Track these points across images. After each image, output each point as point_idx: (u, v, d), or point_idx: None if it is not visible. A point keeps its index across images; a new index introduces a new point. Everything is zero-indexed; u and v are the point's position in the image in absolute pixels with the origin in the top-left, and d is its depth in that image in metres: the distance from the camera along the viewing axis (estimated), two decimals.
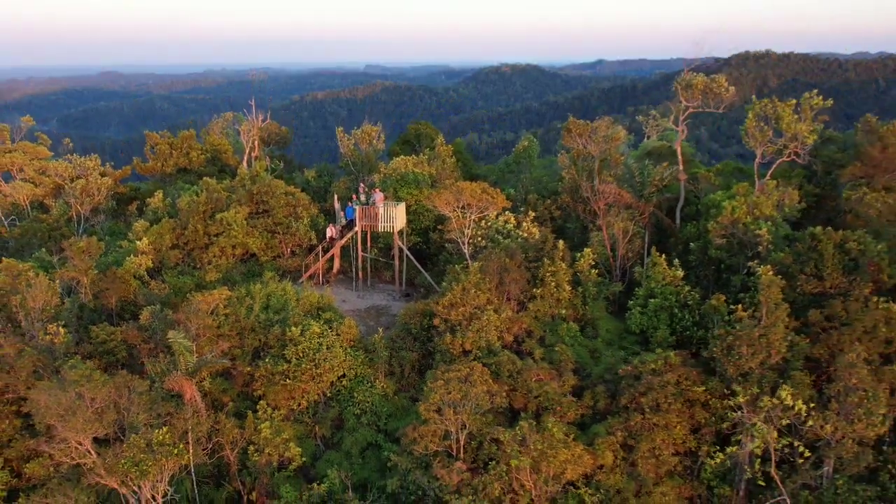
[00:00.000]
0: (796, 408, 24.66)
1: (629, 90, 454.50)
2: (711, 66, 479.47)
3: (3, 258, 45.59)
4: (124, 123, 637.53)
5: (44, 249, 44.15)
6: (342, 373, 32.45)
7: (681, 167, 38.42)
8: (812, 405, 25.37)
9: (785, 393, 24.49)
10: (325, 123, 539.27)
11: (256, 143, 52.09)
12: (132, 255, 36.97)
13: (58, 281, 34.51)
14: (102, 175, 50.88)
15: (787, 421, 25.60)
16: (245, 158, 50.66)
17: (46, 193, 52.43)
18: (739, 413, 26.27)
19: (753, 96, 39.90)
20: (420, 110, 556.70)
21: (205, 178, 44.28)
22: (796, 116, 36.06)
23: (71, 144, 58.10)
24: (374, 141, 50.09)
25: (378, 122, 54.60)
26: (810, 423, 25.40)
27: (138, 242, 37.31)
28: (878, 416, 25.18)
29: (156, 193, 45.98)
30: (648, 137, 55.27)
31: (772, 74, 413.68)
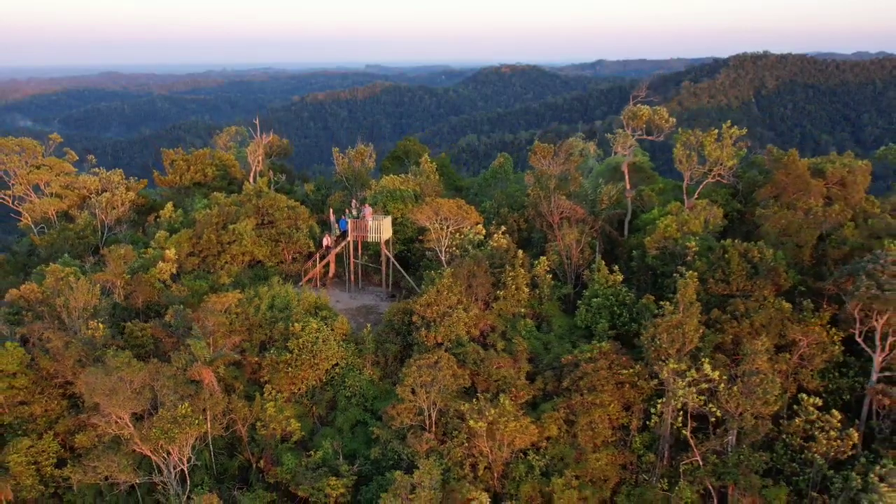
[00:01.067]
0: (714, 375, 30.96)
1: (627, 91, 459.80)
2: (710, 67, 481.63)
3: (36, 264, 52.20)
4: (125, 124, 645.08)
5: (66, 255, 50.46)
6: (336, 362, 38.78)
7: (627, 186, 44.64)
8: (721, 384, 31.68)
9: (706, 365, 30.82)
10: (325, 124, 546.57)
11: (261, 159, 58.35)
12: (160, 262, 43.33)
13: (97, 284, 40.84)
14: (127, 189, 57.20)
15: (706, 385, 31.68)
16: (251, 176, 56.93)
17: (72, 204, 58.80)
18: (666, 381, 32.46)
19: (680, 129, 45.57)
20: (420, 111, 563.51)
21: (215, 194, 50.71)
22: (718, 144, 42.07)
23: (95, 160, 64.22)
24: (366, 159, 56.44)
25: (369, 143, 60.74)
26: (722, 395, 31.68)
27: (166, 251, 43.71)
28: (773, 396, 31.45)
29: (167, 205, 52.39)
30: (615, 153, 61.31)
31: (769, 76, 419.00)
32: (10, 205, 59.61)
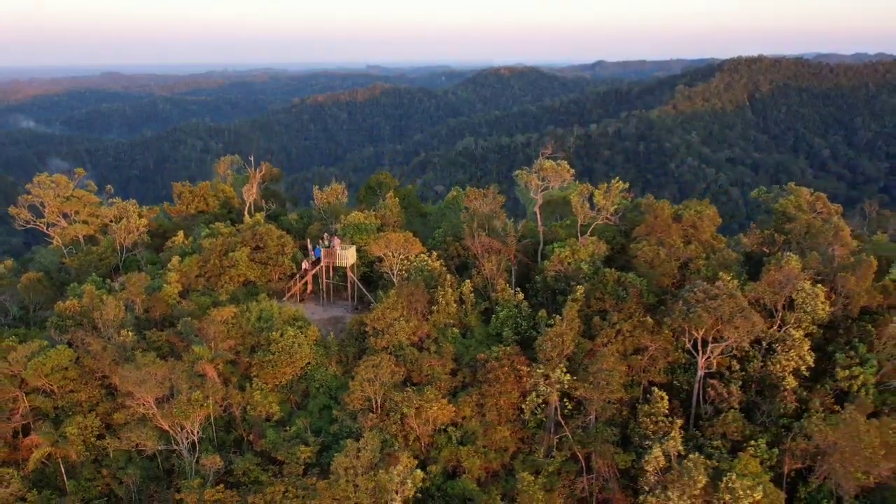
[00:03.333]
0: (565, 378, 43.64)
1: (623, 94, 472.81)
2: (705, 71, 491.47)
3: (69, 281, 64.97)
4: (126, 125, 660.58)
5: (94, 275, 63.22)
6: (308, 361, 51.50)
7: (539, 223, 57.15)
8: (576, 378, 44.33)
9: (558, 371, 43.46)
10: (325, 126, 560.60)
11: (255, 191, 71.01)
12: (165, 284, 56.17)
13: (122, 301, 53.68)
14: (140, 216, 69.99)
15: (565, 385, 44.37)
16: (246, 209, 69.62)
17: (96, 229, 71.69)
18: (540, 380, 45.13)
19: (586, 184, 57.75)
20: (419, 113, 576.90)
21: (217, 224, 63.53)
22: (605, 195, 54.39)
23: (112, 189, 76.91)
24: (340, 196, 69.09)
25: (343, 182, 73.33)
26: (578, 388, 44.36)
27: (171, 274, 56.58)
28: (617, 385, 44.03)
29: (179, 233, 65.22)
30: (551, 186, 73.35)
31: (763, 79, 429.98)
32: (44, 230, 72.54)
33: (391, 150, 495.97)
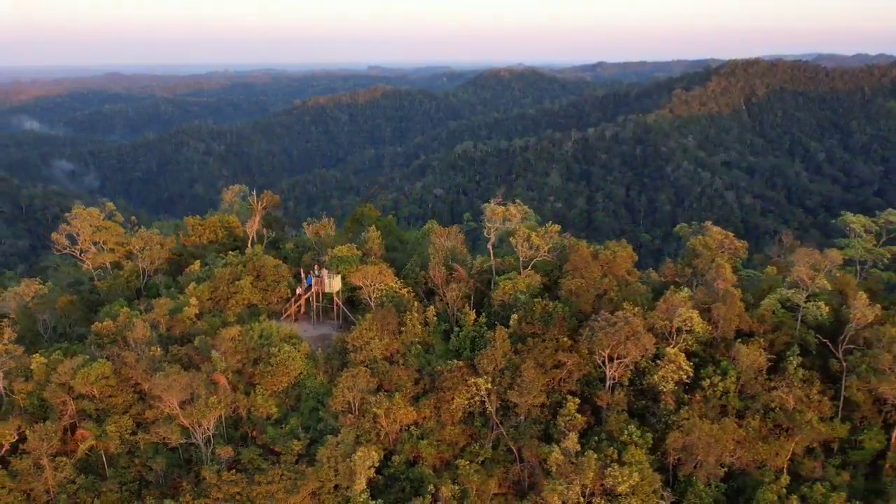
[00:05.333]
0: (484, 388, 56.85)
1: (622, 97, 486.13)
2: (702, 75, 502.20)
3: (99, 302, 78.42)
4: (129, 126, 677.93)
5: (122, 300, 76.55)
6: (300, 371, 64.76)
7: (492, 257, 70.27)
8: (507, 387, 57.52)
9: (482, 381, 56.64)
10: (326, 128, 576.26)
11: (258, 223, 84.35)
12: (186, 307, 69.61)
13: (149, 322, 67.14)
14: (161, 245, 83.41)
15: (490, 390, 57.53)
16: (249, 241, 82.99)
17: (122, 256, 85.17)
18: (481, 389, 58.31)
19: (529, 222, 70.72)
20: (420, 115, 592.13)
21: (230, 254, 76.85)
22: (542, 237, 67.44)
23: (135, 219, 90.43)
24: (328, 229, 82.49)
25: (331, 217, 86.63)
26: (511, 396, 57.53)
27: (191, 300, 70.02)
28: (537, 392, 57.15)
29: (196, 262, 78.65)
30: (500, 228, 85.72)
31: (760, 83, 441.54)
32: (77, 255, 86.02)
33: (391, 153, 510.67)
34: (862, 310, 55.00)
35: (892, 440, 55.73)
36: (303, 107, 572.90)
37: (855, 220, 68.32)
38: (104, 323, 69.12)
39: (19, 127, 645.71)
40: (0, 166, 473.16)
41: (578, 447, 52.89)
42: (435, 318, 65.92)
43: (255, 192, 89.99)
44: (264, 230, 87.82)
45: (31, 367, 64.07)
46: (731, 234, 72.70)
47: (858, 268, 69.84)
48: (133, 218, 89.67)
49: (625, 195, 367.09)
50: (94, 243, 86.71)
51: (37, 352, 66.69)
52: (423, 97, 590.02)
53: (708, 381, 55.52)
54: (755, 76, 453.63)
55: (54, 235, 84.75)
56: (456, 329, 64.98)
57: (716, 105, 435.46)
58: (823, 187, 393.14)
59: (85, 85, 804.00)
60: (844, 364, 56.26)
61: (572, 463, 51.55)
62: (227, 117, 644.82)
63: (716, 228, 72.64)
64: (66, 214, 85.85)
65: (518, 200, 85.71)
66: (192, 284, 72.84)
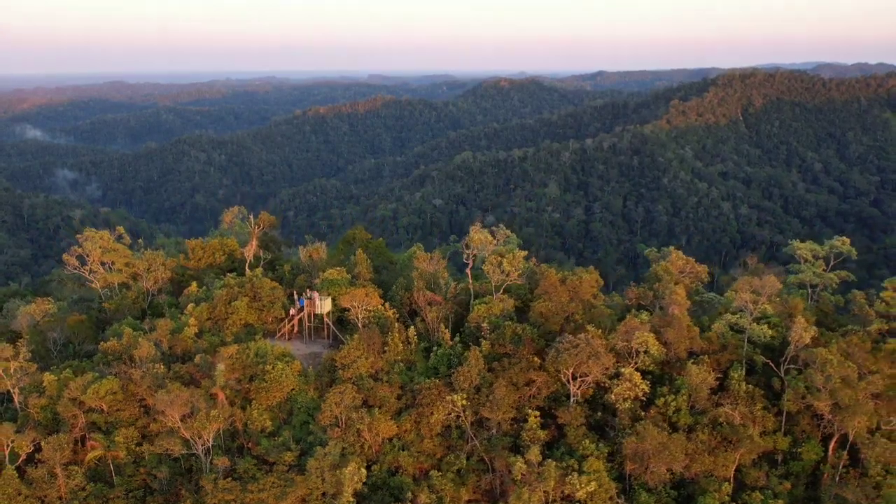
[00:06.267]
0: (460, 404, 62.95)
1: (620, 107, 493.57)
2: (699, 86, 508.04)
3: (106, 320, 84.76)
4: (130, 135, 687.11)
5: (129, 318, 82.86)
6: (293, 387, 70.92)
7: (469, 281, 76.48)
8: (481, 404, 63.61)
9: (458, 398, 62.75)
10: (327, 138, 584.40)
11: (255, 247, 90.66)
12: (186, 327, 75.91)
13: (152, 341, 73.44)
14: (164, 265, 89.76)
15: (466, 406, 63.63)
16: (247, 265, 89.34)
17: (128, 277, 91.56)
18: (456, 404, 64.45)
19: (499, 249, 76.87)
20: (420, 124, 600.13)
21: (228, 276, 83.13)
22: (512, 263, 73.64)
23: (142, 242, 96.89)
24: (321, 253, 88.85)
25: (323, 242, 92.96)
26: (484, 411, 63.61)
27: (191, 319, 76.31)
28: (506, 408, 63.21)
29: (193, 284, 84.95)
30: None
31: (757, 94, 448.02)
32: (86, 275, 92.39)
33: (391, 162, 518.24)
34: (800, 332, 61.05)
35: (829, 452, 61.70)
36: (303, 116, 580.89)
37: (803, 247, 74.39)
38: (111, 342, 75.42)
39: (22, 136, 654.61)
40: (3, 176, 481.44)
41: (540, 458, 58.95)
42: (416, 338, 72.08)
43: (252, 216, 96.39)
44: (261, 252, 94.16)
45: (44, 383, 70.38)
46: (692, 260, 78.86)
47: (809, 291, 75.93)
48: (140, 241, 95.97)
49: (622, 205, 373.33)
50: (103, 263, 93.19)
51: (48, 368, 73.09)
52: (424, 106, 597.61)
53: (662, 398, 61.61)
54: (752, 87, 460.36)
55: (65, 256, 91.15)
56: (435, 348, 71.15)
57: (713, 115, 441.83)
58: (820, 198, 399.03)
59: (87, 93, 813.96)
60: (784, 382, 62.31)
61: (535, 472, 57.65)
62: (228, 126, 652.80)
63: (677, 253, 78.73)
64: (78, 236, 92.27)
65: (502, 225, 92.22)
66: (192, 305, 79.12)
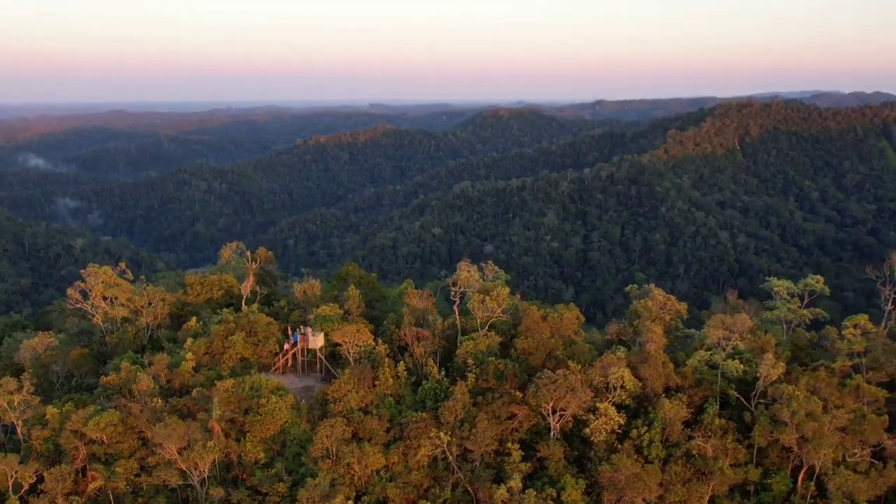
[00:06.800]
0: (445, 440, 66.25)
1: (618, 137, 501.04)
2: (696, 116, 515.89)
3: (107, 353, 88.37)
4: (132, 164, 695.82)
5: (130, 352, 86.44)
6: (286, 420, 74.24)
7: (457, 318, 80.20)
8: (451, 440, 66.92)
9: (442, 434, 66.03)
10: (327, 167, 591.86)
11: (252, 282, 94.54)
12: (183, 362, 79.49)
13: (150, 375, 76.98)
14: (163, 300, 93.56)
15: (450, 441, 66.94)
16: (244, 300, 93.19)
17: (129, 311, 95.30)
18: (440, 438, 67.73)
19: (484, 289, 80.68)
20: (420, 154, 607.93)
21: (226, 313, 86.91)
22: (495, 301, 77.37)
23: (144, 278, 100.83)
24: (315, 290, 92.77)
25: (318, 280, 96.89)
26: (467, 444, 66.92)
27: (188, 355, 79.94)
28: (489, 441, 66.52)
29: (192, 319, 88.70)
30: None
31: (754, 124, 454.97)
32: (88, 309, 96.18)
33: (391, 191, 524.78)
34: (768, 368, 64.56)
35: (798, 483, 64.81)
36: (304, 146, 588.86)
37: (779, 285, 78.19)
38: (111, 376, 78.98)
39: (24, 165, 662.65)
40: (4, 204, 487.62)
41: (521, 486, 62.14)
42: (405, 372, 75.59)
43: (249, 252, 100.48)
44: (258, 287, 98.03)
45: (47, 415, 73.78)
46: (672, 297, 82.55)
47: (785, 327, 79.53)
48: (143, 277, 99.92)
49: (620, 234, 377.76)
50: (105, 298, 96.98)
51: (50, 401, 76.55)
52: (423, 136, 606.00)
53: (636, 431, 64.95)
54: (749, 116, 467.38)
55: (69, 291, 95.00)
56: (424, 382, 74.64)
57: (710, 145, 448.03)
58: (817, 226, 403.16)
59: (89, 122, 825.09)
60: (755, 416, 65.65)
61: (516, 501, 60.81)
62: (228, 155, 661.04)
63: (658, 290, 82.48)
64: (81, 271, 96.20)
65: (490, 262, 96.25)
66: (190, 340, 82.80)
